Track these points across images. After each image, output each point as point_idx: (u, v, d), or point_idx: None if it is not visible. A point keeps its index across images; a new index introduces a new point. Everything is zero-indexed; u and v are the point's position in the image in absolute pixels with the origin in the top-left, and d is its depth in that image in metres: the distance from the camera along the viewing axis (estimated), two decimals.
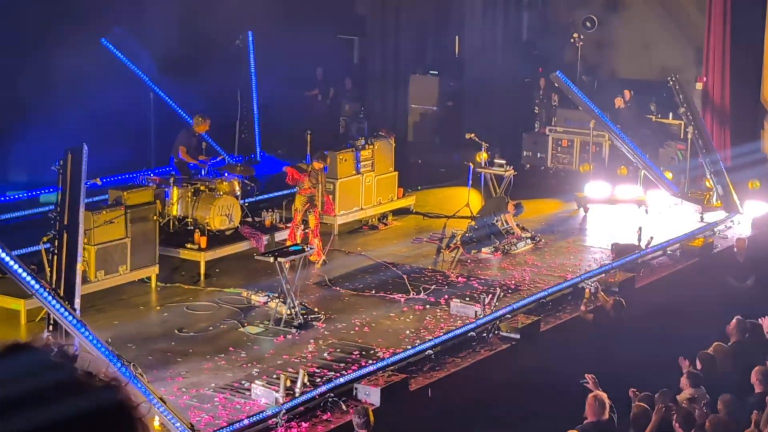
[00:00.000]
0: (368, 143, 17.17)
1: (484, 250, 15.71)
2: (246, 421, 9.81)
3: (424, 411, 10.87)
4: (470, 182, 17.75)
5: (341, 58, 23.09)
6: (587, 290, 13.54)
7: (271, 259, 12.73)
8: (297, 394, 10.40)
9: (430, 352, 11.70)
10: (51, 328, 10.22)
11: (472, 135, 18.07)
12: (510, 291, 14.01)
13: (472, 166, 17.68)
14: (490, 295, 13.14)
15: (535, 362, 11.93)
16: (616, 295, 13.38)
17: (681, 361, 11.33)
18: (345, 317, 12.91)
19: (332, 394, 10.48)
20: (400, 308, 13.31)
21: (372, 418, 9.60)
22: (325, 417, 10.26)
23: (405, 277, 14.42)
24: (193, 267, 14.35)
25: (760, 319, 12.59)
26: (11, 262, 9.94)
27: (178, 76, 18.31)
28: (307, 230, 14.97)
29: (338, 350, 11.85)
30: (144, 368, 10.24)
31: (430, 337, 12.10)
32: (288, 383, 10.52)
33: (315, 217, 14.94)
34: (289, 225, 15.42)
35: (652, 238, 15.65)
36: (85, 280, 12.16)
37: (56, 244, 11.00)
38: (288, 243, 14.48)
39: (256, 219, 15.67)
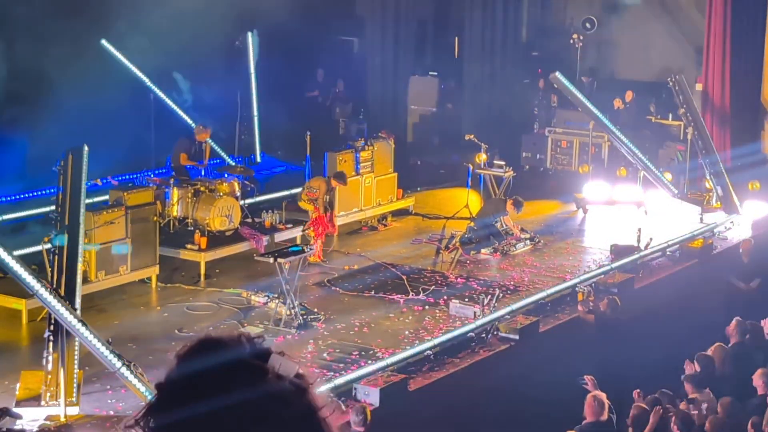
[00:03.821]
0: (368, 144, 17.20)
1: (483, 251, 15.73)
2: None
3: (423, 411, 10.89)
4: (469, 183, 17.79)
5: (341, 59, 23.12)
6: (580, 294, 13.59)
7: (271, 260, 12.76)
8: None
9: (430, 352, 11.72)
10: (52, 327, 10.23)
11: (472, 136, 18.12)
12: (509, 292, 14.04)
13: (471, 167, 17.73)
14: (489, 296, 13.16)
15: (534, 363, 11.96)
16: (615, 295, 13.40)
17: (686, 364, 11.33)
18: (344, 318, 12.93)
19: (332, 395, 10.50)
20: (399, 309, 13.33)
21: (369, 416, 9.66)
22: None
23: (404, 277, 14.45)
24: (193, 267, 14.38)
25: (762, 321, 12.61)
26: (12, 262, 9.97)
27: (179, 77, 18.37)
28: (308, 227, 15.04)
29: (338, 351, 11.88)
30: (144, 368, 10.26)
31: (430, 338, 12.13)
32: None
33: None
34: (289, 226, 15.46)
35: (651, 239, 15.66)
36: (85, 280, 12.19)
37: (57, 244, 11.02)
38: (315, 239, 14.57)
39: (256, 220, 15.69)
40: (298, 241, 15.08)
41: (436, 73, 22.76)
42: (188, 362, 2.00)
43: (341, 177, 15.47)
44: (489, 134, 19.55)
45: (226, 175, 15.99)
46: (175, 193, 14.95)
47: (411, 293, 13.80)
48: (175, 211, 14.94)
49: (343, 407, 10.39)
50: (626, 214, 17.90)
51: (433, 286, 14.10)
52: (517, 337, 12.30)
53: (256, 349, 2.01)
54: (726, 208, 18.00)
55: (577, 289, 13.80)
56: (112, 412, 10.24)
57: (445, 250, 15.66)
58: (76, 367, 10.26)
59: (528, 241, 16.25)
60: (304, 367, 2.02)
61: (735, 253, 15.98)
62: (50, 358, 10.09)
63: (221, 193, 15.17)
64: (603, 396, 10.07)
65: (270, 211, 15.67)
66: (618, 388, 10.83)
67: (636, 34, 22.39)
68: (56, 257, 10.90)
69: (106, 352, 10.09)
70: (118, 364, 9.92)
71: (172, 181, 15.10)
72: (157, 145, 18.10)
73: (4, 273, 10.56)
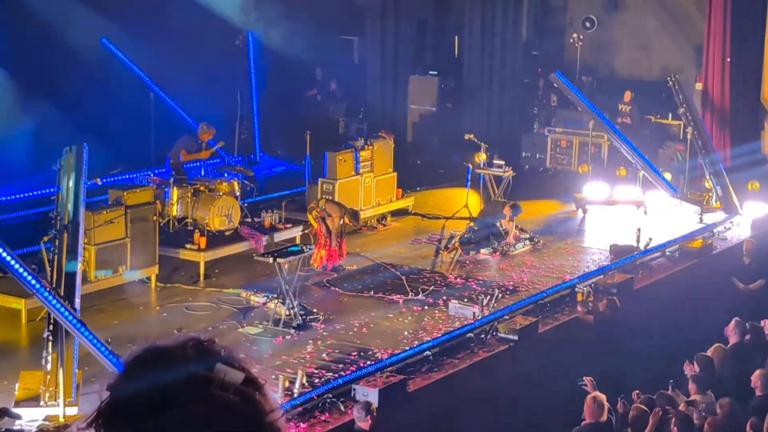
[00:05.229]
0: (367, 144, 17.20)
1: (482, 251, 15.73)
2: None
3: (422, 412, 10.90)
4: (469, 183, 17.79)
5: (341, 59, 23.12)
6: (579, 294, 13.60)
7: (271, 260, 12.77)
8: (295, 395, 10.43)
9: (429, 353, 11.73)
10: (51, 327, 10.24)
11: (471, 136, 18.12)
12: (508, 292, 14.03)
13: (471, 166, 17.72)
14: (489, 297, 13.16)
15: (533, 363, 11.96)
16: (614, 296, 13.40)
17: (686, 365, 11.34)
18: (343, 318, 12.94)
19: (330, 395, 10.51)
20: (398, 309, 13.33)
21: (374, 413, 9.70)
22: (323, 417, 10.30)
23: (403, 278, 14.44)
24: (193, 267, 14.38)
25: (762, 321, 12.62)
26: (12, 262, 9.98)
27: (178, 76, 18.35)
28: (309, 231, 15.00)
29: (337, 351, 11.88)
30: None
31: (429, 338, 12.13)
32: (286, 384, 10.56)
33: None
34: (288, 226, 15.45)
35: (650, 239, 15.66)
36: (85, 280, 12.18)
37: (57, 243, 11.02)
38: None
39: (256, 219, 15.69)
40: (298, 241, 15.07)
41: (436, 73, 22.75)
42: (133, 373, 2.01)
43: (356, 217, 15.24)
44: (489, 134, 19.54)
45: (225, 175, 15.99)
46: (174, 192, 14.96)
47: (410, 294, 13.80)
48: (175, 210, 14.95)
49: (342, 407, 10.40)
50: (626, 214, 17.90)
51: (432, 287, 14.10)
52: (516, 337, 12.28)
53: (202, 358, 2.01)
54: (726, 208, 18.01)
55: (576, 289, 13.81)
56: None
57: (445, 251, 15.67)
58: (75, 367, 10.26)
59: (527, 242, 16.25)
60: (252, 372, 2.02)
61: (735, 254, 15.98)
62: (49, 358, 10.09)
63: (221, 193, 15.18)
64: (602, 397, 10.07)
65: (269, 210, 15.67)
66: (617, 389, 10.84)
67: (636, 34, 22.39)
68: (56, 257, 10.91)
69: (106, 352, 10.10)
70: (118, 364, 9.92)
71: (171, 180, 15.10)
72: (157, 145, 18.10)
73: (4, 273, 10.57)
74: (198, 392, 1.95)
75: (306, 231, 15.34)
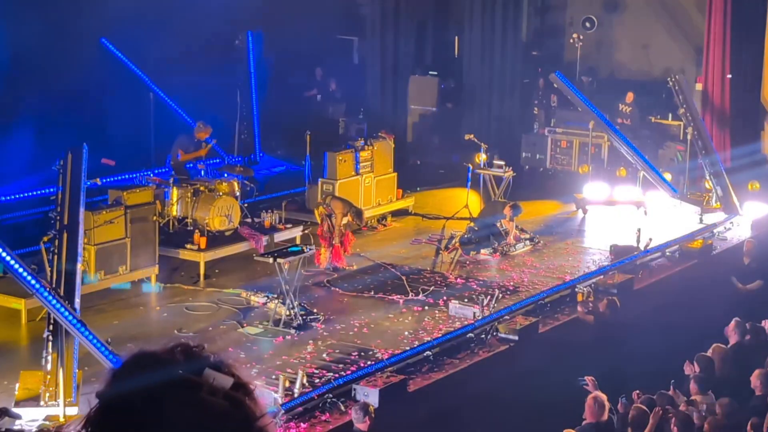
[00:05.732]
0: (367, 144, 17.20)
1: (482, 251, 15.73)
2: None
3: (422, 412, 10.89)
4: (469, 183, 17.78)
5: (341, 58, 23.13)
6: (579, 294, 13.60)
7: (271, 260, 12.76)
8: (296, 395, 10.43)
9: (429, 353, 11.73)
10: (51, 327, 10.24)
11: (471, 136, 18.11)
12: (508, 292, 14.04)
13: (471, 167, 17.72)
14: (489, 297, 13.16)
15: (534, 364, 11.96)
16: (614, 296, 13.40)
17: (686, 365, 11.34)
18: (344, 318, 12.94)
19: (331, 395, 10.51)
20: (398, 309, 13.33)
21: (373, 414, 9.70)
22: (323, 417, 10.30)
23: (404, 278, 14.44)
24: (193, 267, 14.38)
25: (763, 321, 12.61)
26: (12, 262, 9.98)
27: (178, 76, 18.35)
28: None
29: (337, 351, 11.88)
30: None
31: (429, 339, 12.13)
32: (287, 384, 10.56)
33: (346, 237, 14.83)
34: (288, 226, 15.45)
35: (651, 239, 15.66)
36: (84, 280, 12.18)
37: (56, 243, 11.03)
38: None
39: (256, 220, 15.69)
40: (298, 241, 15.07)
41: (435, 73, 22.74)
42: (122, 380, 2.00)
43: (360, 216, 15.19)
44: (489, 134, 19.51)
45: (225, 175, 15.99)
46: (174, 192, 14.96)
47: (410, 294, 13.80)
48: (175, 210, 14.95)
49: (342, 407, 10.40)
50: (626, 215, 17.90)
51: (432, 287, 14.10)
52: (516, 337, 12.29)
53: (191, 363, 2.01)
54: (726, 209, 18.00)
55: (576, 289, 13.81)
56: None
57: (445, 251, 15.66)
58: (75, 367, 10.26)
59: (527, 242, 16.24)
60: (243, 376, 2.02)
61: (735, 254, 15.97)
62: (49, 358, 10.09)
63: (221, 193, 15.17)
64: (603, 397, 10.07)
65: (269, 211, 15.67)
66: (618, 388, 10.83)
67: (636, 34, 22.38)
68: (56, 257, 10.91)
69: (106, 352, 10.10)
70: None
71: (171, 180, 15.10)
72: (157, 145, 18.10)
73: (4, 273, 10.57)
74: (187, 397, 1.94)
75: (306, 231, 15.33)
